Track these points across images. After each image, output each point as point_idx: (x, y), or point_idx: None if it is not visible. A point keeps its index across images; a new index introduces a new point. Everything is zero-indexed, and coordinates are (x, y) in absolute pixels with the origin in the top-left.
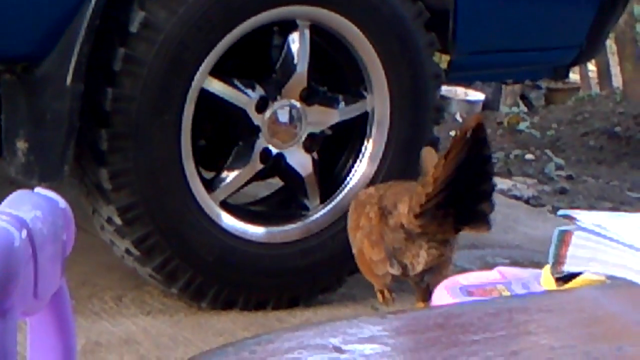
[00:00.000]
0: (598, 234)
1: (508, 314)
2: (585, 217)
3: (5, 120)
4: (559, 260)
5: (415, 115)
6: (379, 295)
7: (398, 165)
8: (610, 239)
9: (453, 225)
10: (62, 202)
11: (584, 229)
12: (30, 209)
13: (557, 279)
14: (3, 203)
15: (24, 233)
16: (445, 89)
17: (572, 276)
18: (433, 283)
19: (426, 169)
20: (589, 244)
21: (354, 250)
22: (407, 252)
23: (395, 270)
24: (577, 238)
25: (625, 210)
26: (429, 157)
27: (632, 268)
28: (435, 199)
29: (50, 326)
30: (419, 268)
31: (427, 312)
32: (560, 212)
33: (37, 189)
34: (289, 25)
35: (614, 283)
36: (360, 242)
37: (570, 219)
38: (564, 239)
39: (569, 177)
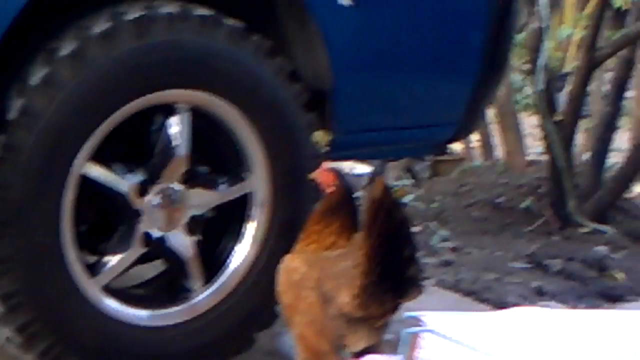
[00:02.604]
0: (445, 337)
1: None
2: (432, 319)
3: None
4: None
5: (297, 196)
6: None
7: (281, 245)
8: (457, 342)
9: (392, 300)
10: None
11: (431, 332)
12: None
13: None
14: None
15: None
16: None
17: None
18: None
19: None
20: (438, 346)
21: (293, 331)
22: (348, 339)
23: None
24: (426, 340)
25: (510, 280)
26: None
27: None
28: (371, 275)
29: None
30: (356, 350)
31: None
32: (407, 314)
33: None
34: (169, 109)
35: None
36: (302, 327)
37: (418, 321)
38: (412, 341)
39: (454, 249)
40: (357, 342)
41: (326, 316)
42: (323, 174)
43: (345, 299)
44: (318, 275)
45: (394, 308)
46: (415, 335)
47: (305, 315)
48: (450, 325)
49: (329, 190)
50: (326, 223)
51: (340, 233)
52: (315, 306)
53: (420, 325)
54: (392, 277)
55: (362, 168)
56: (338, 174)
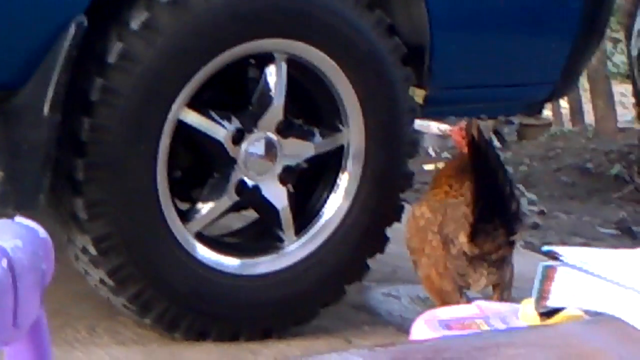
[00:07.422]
0: (582, 270)
1: (495, 348)
2: (569, 253)
3: None
4: (542, 296)
5: (391, 149)
6: None
7: (373, 198)
8: (595, 275)
9: (504, 235)
10: (42, 232)
11: (568, 265)
12: (10, 238)
13: (541, 314)
14: None
15: (4, 262)
16: (418, 123)
17: (554, 311)
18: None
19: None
20: (573, 280)
21: (420, 273)
22: (469, 278)
23: (464, 301)
24: (561, 274)
25: (597, 246)
26: None
27: (616, 304)
28: (478, 213)
29: (28, 356)
30: (478, 289)
31: (414, 346)
32: (545, 248)
33: (18, 218)
34: (266, 58)
35: (598, 318)
36: (427, 270)
37: (555, 255)
38: (548, 274)
39: (541, 213)
40: (478, 280)
41: (448, 257)
42: (457, 133)
43: (462, 238)
44: (440, 219)
45: (508, 243)
46: (551, 268)
47: (430, 258)
48: (588, 259)
49: (463, 149)
50: (457, 179)
51: (467, 187)
52: (438, 248)
53: (557, 259)
54: (497, 213)
55: (448, 129)
56: (478, 133)
